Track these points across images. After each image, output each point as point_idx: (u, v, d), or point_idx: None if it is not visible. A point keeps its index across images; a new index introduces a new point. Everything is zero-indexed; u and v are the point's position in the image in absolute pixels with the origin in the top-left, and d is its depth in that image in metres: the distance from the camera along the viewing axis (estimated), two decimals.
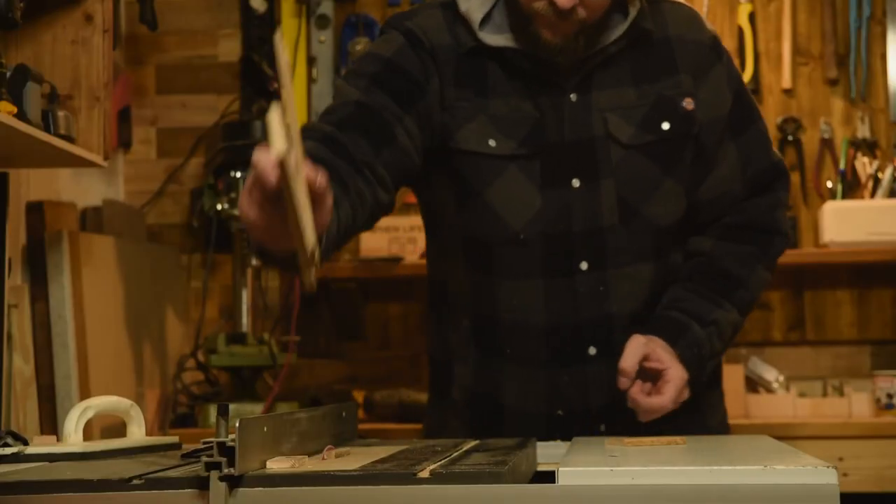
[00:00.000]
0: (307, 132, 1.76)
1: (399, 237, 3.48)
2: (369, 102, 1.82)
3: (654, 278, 1.93)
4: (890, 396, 3.24)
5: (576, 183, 1.86)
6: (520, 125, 1.86)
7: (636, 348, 1.82)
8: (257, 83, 3.47)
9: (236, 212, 3.20)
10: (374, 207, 1.77)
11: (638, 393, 1.83)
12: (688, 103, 1.89)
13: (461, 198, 1.90)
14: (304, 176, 1.26)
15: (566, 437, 1.82)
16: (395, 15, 1.96)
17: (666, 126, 1.88)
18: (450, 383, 2.06)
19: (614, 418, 1.88)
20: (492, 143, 1.86)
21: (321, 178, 1.30)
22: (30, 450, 1.54)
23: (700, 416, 1.97)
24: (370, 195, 1.75)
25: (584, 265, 1.88)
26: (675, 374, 1.82)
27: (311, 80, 3.58)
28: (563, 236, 1.87)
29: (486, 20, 1.87)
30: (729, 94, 1.94)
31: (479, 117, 1.87)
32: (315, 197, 1.30)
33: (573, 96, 1.86)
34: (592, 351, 1.90)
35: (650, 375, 1.84)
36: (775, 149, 2.04)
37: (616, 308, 1.89)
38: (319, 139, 1.73)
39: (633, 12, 1.86)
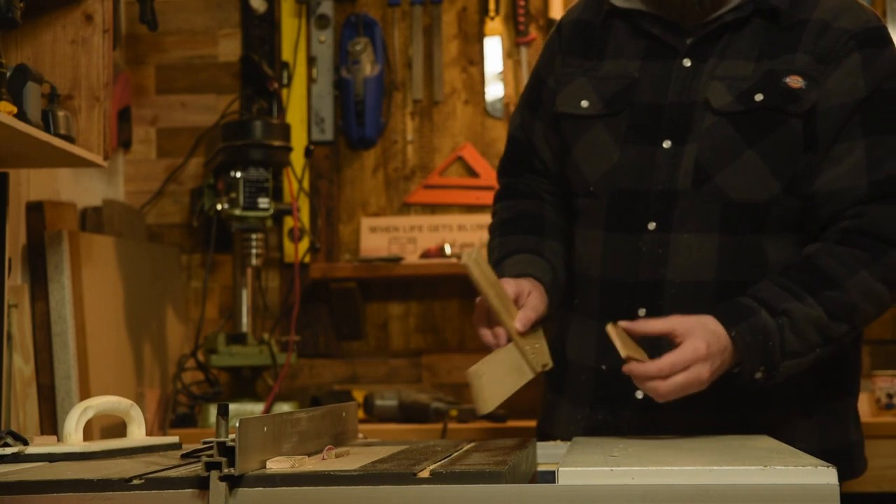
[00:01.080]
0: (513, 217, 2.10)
1: (399, 237, 3.49)
2: (517, 133, 2.13)
3: (719, 255, 1.87)
4: (890, 396, 3.24)
5: (667, 144, 1.89)
6: (614, 85, 1.94)
7: (668, 322, 1.74)
8: (257, 83, 3.47)
9: (236, 211, 3.20)
10: (564, 219, 2.08)
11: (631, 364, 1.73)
12: (793, 80, 1.85)
13: (563, 155, 2.01)
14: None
15: (608, 398, 1.87)
16: None
17: (759, 97, 1.86)
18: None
19: None
20: (584, 103, 1.96)
21: (525, 321, 1.80)
22: (30, 450, 1.54)
23: (803, 430, 1.89)
24: (558, 213, 2.08)
25: (651, 225, 1.89)
26: (687, 346, 1.70)
27: (311, 80, 3.58)
28: (635, 193, 1.90)
29: None
30: (864, 87, 1.86)
31: (579, 80, 1.98)
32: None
33: (687, 61, 1.91)
34: (642, 312, 1.89)
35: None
36: None
37: (670, 274, 1.87)
38: (520, 220, 2.09)
39: None
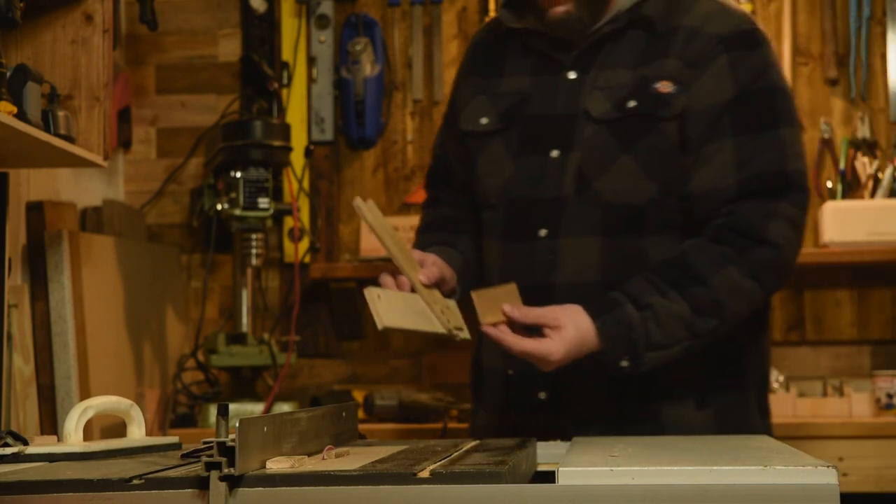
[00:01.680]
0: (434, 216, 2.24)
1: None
2: (438, 154, 2.25)
3: (602, 258, 1.94)
4: (890, 396, 3.24)
5: (554, 153, 1.97)
6: (509, 100, 2.03)
7: (539, 310, 1.85)
8: (257, 83, 3.47)
9: (236, 211, 3.20)
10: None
11: (505, 331, 1.85)
12: (663, 86, 1.92)
13: (470, 171, 2.11)
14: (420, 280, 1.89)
15: (514, 400, 1.97)
16: None
17: (632, 104, 1.93)
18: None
19: (556, 387, 1.95)
20: (483, 120, 2.06)
21: (429, 274, 1.91)
22: (30, 450, 1.54)
23: (669, 412, 1.97)
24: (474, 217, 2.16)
25: (543, 232, 1.98)
26: (558, 336, 1.82)
27: (311, 80, 3.58)
28: (528, 203, 1.98)
29: (515, 4, 2.05)
30: (731, 89, 1.91)
31: (479, 98, 2.08)
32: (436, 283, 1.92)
33: (572, 74, 1.99)
34: None
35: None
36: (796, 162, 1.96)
37: (561, 279, 1.96)
38: (439, 217, 2.22)
39: None
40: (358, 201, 1.85)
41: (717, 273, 1.87)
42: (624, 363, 1.87)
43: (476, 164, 2.07)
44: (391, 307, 1.78)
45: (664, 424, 1.94)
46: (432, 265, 1.94)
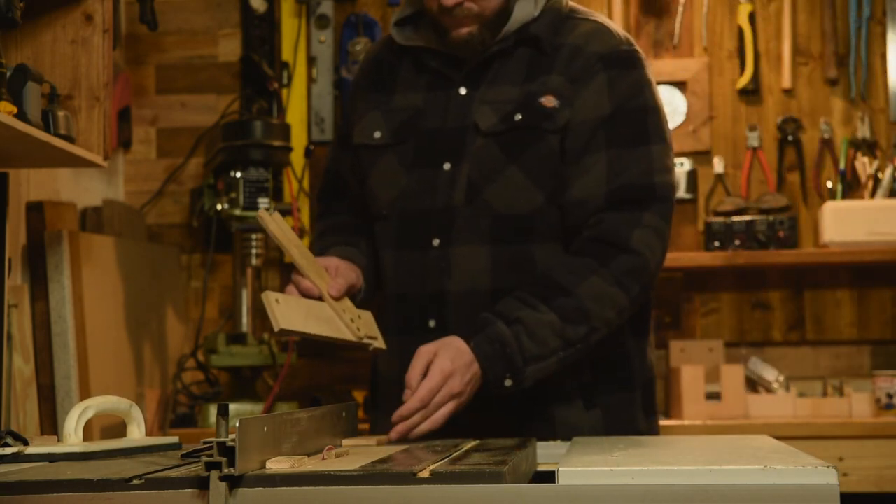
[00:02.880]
0: (331, 229, 2.24)
1: None
2: (332, 168, 2.28)
3: (492, 265, 2.01)
4: (890, 396, 3.24)
5: (447, 166, 2.04)
6: (402, 116, 2.10)
7: (419, 360, 1.86)
8: (257, 83, 3.47)
9: (236, 211, 3.20)
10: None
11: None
12: (547, 100, 2.01)
13: (363, 183, 2.16)
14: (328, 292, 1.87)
15: None
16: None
17: (518, 117, 2.01)
18: None
19: None
20: (377, 134, 2.12)
21: (337, 286, 1.93)
22: (30, 450, 1.54)
23: (559, 419, 2.01)
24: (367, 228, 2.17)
25: (436, 241, 2.04)
26: (431, 373, 1.84)
27: (311, 80, 3.58)
28: (421, 213, 2.05)
29: (408, 21, 2.13)
30: (608, 105, 2.01)
31: (372, 113, 2.14)
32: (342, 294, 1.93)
33: (462, 90, 2.06)
34: (432, 323, 2.04)
35: None
36: (666, 176, 2.03)
37: (453, 286, 2.02)
38: (335, 227, 2.24)
39: (518, 14, 2.04)
40: (262, 212, 1.85)
41: (581, 283, 1.94)
42: (507, 382, 1.90)
43: (369, 177, 2.13)
44: (291, 311, 1.75)
45: (556, 425, 2.00)
46: (338, 276, 1.97)
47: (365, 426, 2.78)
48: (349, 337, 1.88)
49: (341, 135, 2.28)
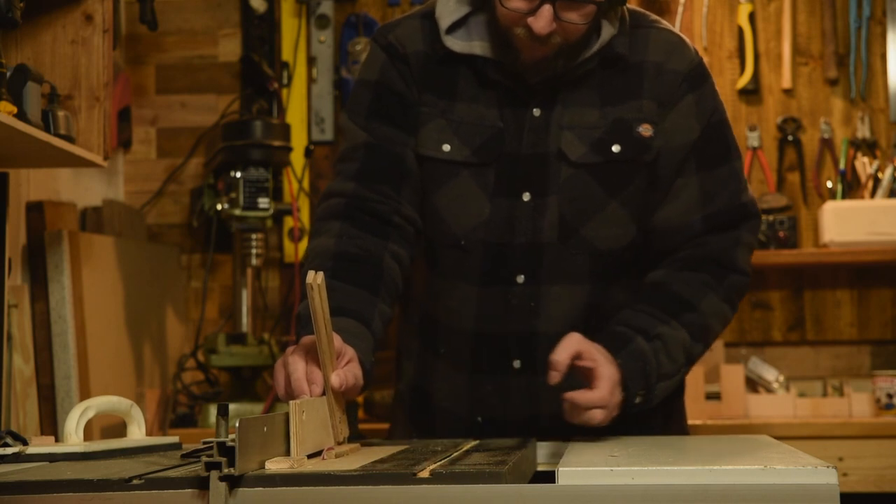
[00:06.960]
0: (330, 244, 1.87)
1: None
2: (375, 141, 1.92)
3: (589, 302, 1.91)
4: (890, 396, 3.24)
5: (526, 196, 1.88)
6: (480, 133, 1.89)
7: (571, 343, 1.72)
8: (257, 83, 3.48)
9: (236, 211, 3.20)
10: (409, 259, 1.91)
11: (572, 392, 1.73)
12: (645, 129, 1.89)
13: (422, 195, 1.93)
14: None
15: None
16: (379, 28, 2.01)
17: (616, 149, 1.88)
18: (400, 377, 2.12)
19: (533, 433, 1.83)
20: (446, 147, 1.90)
21: (344, 382, 1.57)
22: (30, 450, 1.54)
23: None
24: (406, 252, 1.90)
25: (520, 278, 1.89)
26: (608, 372, 1.72)
27: (311, 80, 3.58)
28: (503, 247, 1.89)
29: (458, 26, 1.90)
30: (697, 127, 1.92)
31: (438, 121, 1.91)
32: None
33: (536, 111, 1.88)
34: (517, 364, 1.91)
35: (582, 376, 1.75)
36: (748, 187, 1.99)
37: (543, 326, 1.89)
38: (342, 255, 1.85)
39: (605, 35, 1.87)
40: (314, 277, 1.48)
41: (703, 299, 1.89)
42: (638, 399, 1.80)
43: (433, 194, 1.91)
44: (308, 427, 1.53)
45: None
46: (351, 375, 1.61)
47: (365, 426, 2.78)
48: (331, 444, 1.59)
49: (388, 112, 1.92)
